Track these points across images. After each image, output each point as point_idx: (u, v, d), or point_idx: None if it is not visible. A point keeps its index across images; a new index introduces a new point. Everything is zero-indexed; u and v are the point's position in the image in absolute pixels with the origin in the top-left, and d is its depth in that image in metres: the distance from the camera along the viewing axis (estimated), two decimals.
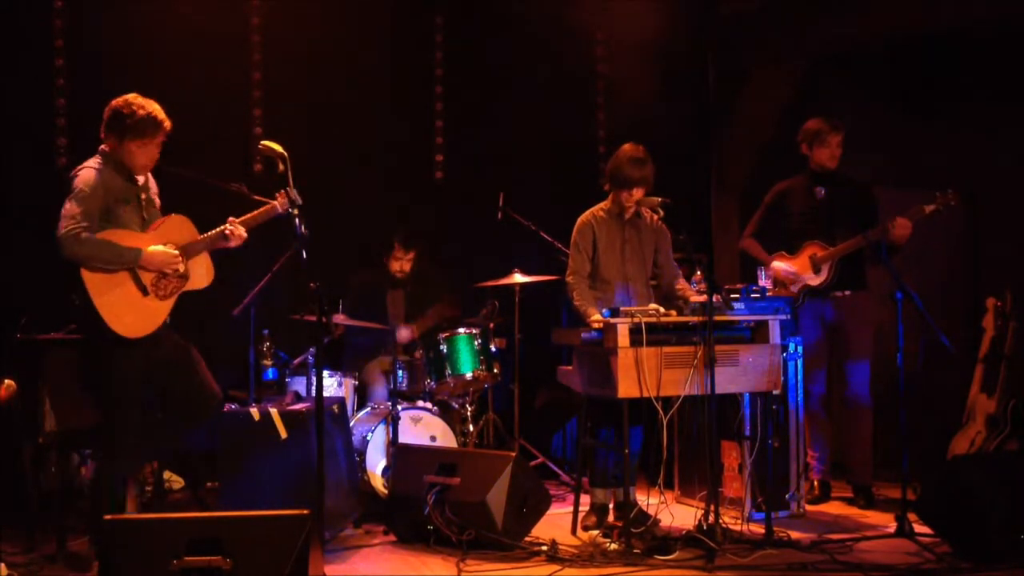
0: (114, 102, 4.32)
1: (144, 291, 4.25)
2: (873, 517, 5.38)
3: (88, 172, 4.25)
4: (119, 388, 4.25)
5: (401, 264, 6.47)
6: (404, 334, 6.32)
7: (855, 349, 5.66)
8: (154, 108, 4.30)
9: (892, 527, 4.87)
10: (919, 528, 4.71)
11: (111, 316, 4.15)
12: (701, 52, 7.64)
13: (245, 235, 4.43)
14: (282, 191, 4.38)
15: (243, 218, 4.44)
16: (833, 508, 5.63)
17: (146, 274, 4.26)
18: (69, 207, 4.15)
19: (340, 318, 6.12)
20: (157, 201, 4.50)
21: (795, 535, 4.89)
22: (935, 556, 4.44)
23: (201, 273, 4.43)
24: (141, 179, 4.41)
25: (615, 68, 7.42)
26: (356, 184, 6.84)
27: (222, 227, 4.39)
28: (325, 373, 5.85)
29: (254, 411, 4.85)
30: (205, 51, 6.31)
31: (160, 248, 4.26)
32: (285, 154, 4.21)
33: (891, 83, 6.88)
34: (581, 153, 7.46)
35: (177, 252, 4.30)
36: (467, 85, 7.15)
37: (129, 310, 4.20)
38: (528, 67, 7.19)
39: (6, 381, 4.50)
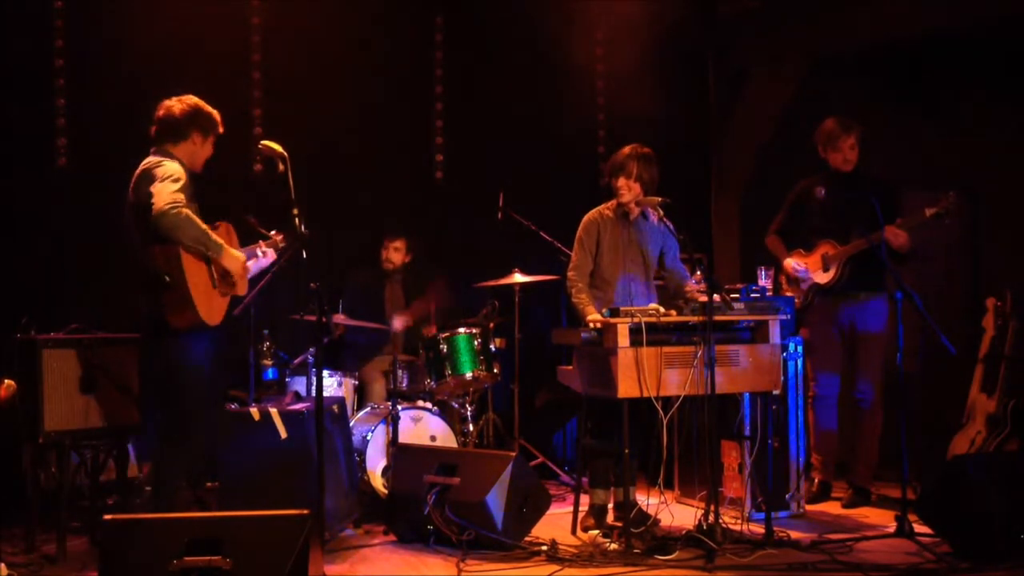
0: (186, 102, 4.47)
1: (214, 284, 4.38)
2: (873, 517, 5.38)
3: (174, 163, 4.35)
4: (198, 376, 4.37)
5: (389, 253, 6.49)
6: (398, 323, 6.31)
7: (867, 350, 5.65)
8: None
9: (892, 527, 4.87)
10: (919, 528, 4.71)
11: (198, 296, 4.23)
12: (701, 52, 7.64)
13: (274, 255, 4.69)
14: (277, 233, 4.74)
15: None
16: (833, 508, 5.63)
17: (216, 269, 4.39)
18: (166, 186, 4.21)
19: (340, 318, 6.13)
20: None
21: (795, 535, 4.89)
22: (935, 556, 4.44)
23: (244, 281, 4.58)
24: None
25: (615, 68, 7.42)
26: (356, 184, 6.84)
27: (258, 244, 4.62)
28: (325, 373, 5.86)
29: (254, 411, 4.85)
30: (205, 51, 6.31)
31: (241, 255, 4.45)
32: (285, 154, 4.21)
33: (891, 83, 6.88)
34: (581, 153, 7.47)
35: (244, 257, 4.50)
36: (467, 85, 7.15)
37: (208, 298, 4.32)
38: (528, 67, 7.19)
39: (6, 381, 4.49)
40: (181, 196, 4.21)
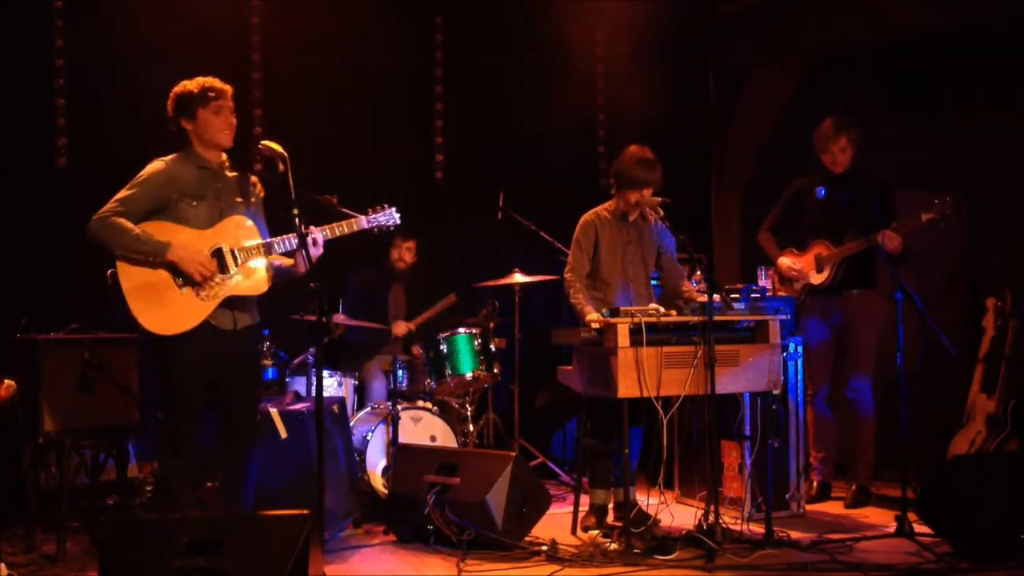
0: (173, 91, 4.31)
1: (182, 288, 4.12)
2: (873, 517, 5.38)
3: (155, 163, 4.20)
4: (172, 384, 4.14)
5: (401, 252, 6.46)
6: (400, 327, 6.31)
7: (859, 348, 5.66)
8: (210, 78, 4.36)
9: (892, 527, 4.87)
10: (919, 528, 4.71)
11: (138, 309, 4.05)
12: (701, 52, 7.64)
13: (319, 245, 4.32)
14: (380, 206, 4.50)
15: (322, 228, 4.36)
16: (833, 508, 5.63)
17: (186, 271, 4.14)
18: (119, 193, 4.11)
19: (340, 318, 6.12)
20: (244, 201, 4.33)
21: (795, 535, 4.89)
22: (935, 556, 4.44)
23: (255, 278, 4.26)
24: (230, 173, 4.31)
25: (615, 68, 7.42)
26: (356, 184, 6.82)
27: (285, 236, 4.28)
28: (325, 373, 5.85)
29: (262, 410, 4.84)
30: (205, 51, 6.29)
31: (190, 250, 4.11)
32: (285, 154, 4.19)
33: (891, 83, 6.88)
34: (581, 153, 7.47)
35: (207, 255, 4.14)
36: (467, 85, 7.15)
37: (161, 305, 4.08)
38: (528, 67, 7.19)
39: (6, 381, 4.50)
40: (113, 205, 4.07)
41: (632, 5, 7.20)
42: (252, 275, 4.25)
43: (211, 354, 4.17)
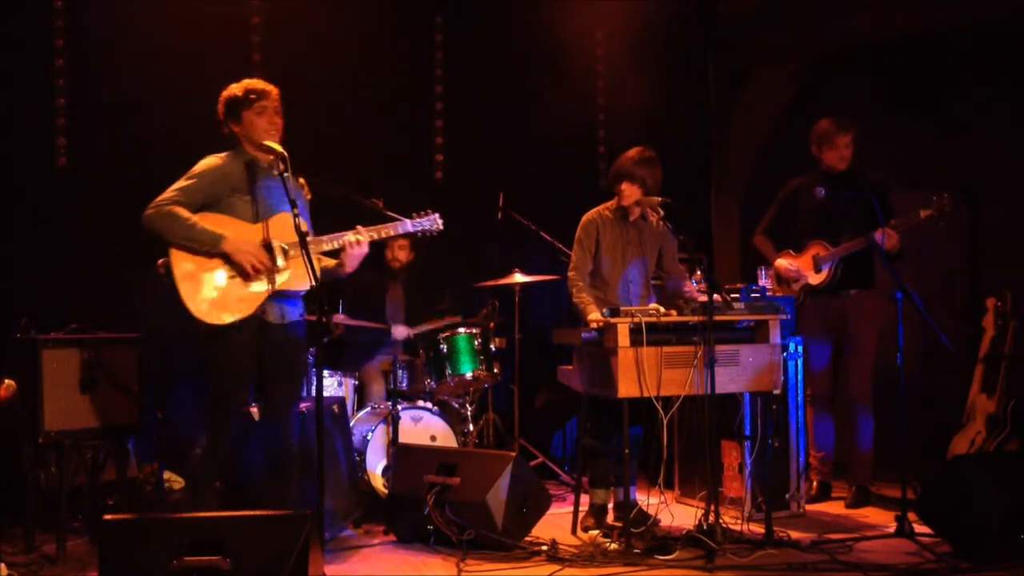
0: (221, 95, 4.40)
1: (233, 278, 4.19)
2: (873, 517, 5.38)
3: (210, 158, 4.31)
4: (215, 374, 4.22)
5: (394, 252, 6.47)
6: (400, 333, 6.31)
7: (858, 348, 5.66)
8: (254, 80, 4.46)
9: (892, 527, 4.87)
10: (919, 528, 4.71)
11: (189, 297, 4.12)
12: (701, 52, 7.64)
13: (364, 245, 4.39)
14: (424, 211, 4.58)
15: (367, 229, 4.44)
16: (833, 508, 5.63)
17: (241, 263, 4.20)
18: (173, 184, 4.20)
19: (340, 318, 6.13)
20: (292, 200, 4.28)
21: (795, 535, 4.89)
22: (935, 556, 4.44)
23: (301, 274, 4.23)
24: (277, 173, 4.30)
25: (615, 68, 7.42)
26: (356, 184, 6.81)
27: (338, 235, 4.36)
28: (325, 373, 5.86)
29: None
30: (205, 51, 6.31)
31: (243, 241, 4.19)
32: (285, 154, 4.21)
33: (891, 83, 6.89)
34: (581, 153, 7.46)
35: (260, 247, 4.21)
36: (467, 85, 7.15)
37: (211, 294, 4.16)
38: (528, 67, 7.19)
39: (6, 381, 4.50)
40: (172, 194, 4.15)
41: (632, 5, 7.20)
42: (300, 270, 4.25)
43: (256, 347, 4.26)
